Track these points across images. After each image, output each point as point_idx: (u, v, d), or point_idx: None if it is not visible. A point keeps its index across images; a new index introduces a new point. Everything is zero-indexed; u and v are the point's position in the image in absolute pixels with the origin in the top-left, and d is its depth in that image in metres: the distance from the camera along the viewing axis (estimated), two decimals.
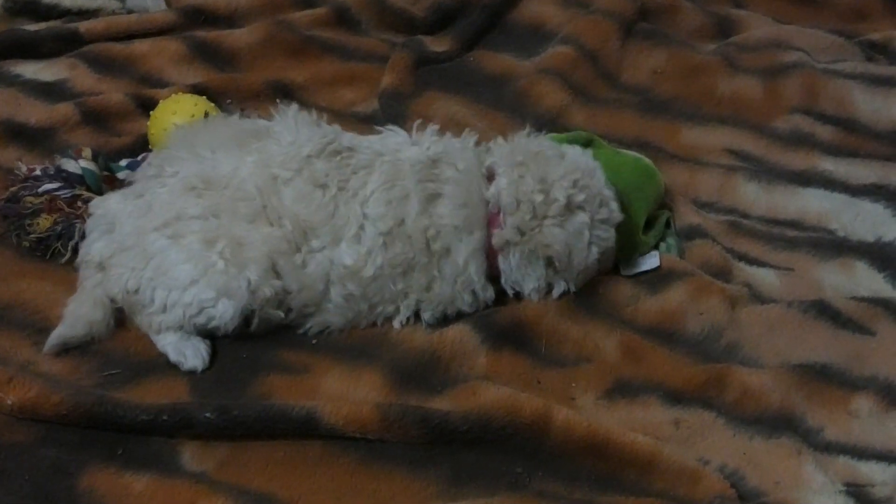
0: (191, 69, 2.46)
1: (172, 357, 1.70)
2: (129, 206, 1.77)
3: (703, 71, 2.55)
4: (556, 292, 1.83)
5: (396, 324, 1.79)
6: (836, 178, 2.27)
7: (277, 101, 2.36)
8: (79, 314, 1.72)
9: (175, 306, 1.70)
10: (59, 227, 1.86)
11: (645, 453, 1.58)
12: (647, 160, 2.06)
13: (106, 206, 1.80)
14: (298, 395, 1.64)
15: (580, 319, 1.83)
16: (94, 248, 1.76)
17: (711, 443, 1.66)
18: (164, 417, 1.56)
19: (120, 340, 1.75)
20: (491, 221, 1.79)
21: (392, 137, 1.87)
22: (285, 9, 2.68)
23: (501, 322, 1.78)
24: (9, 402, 1.57)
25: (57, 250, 1.85)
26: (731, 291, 1.89)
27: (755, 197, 2.21)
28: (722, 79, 2.52)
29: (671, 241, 1.99)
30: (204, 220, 1.71)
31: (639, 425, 1.65)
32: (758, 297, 1.91)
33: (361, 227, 1.74)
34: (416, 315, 1.80)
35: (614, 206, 1.84)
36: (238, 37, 2.54)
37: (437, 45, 2.61)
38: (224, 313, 1.70)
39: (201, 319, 1.70)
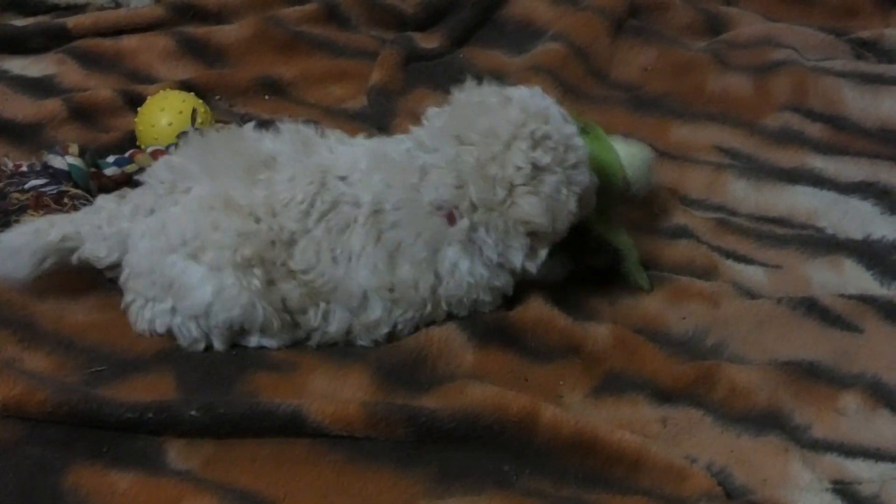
0: (179, 65, 2.46)
1: (274, 345, 1.71)
2: (141, 225, 1.71)
3: (693, 68, 2.55)
4: (542, 255, 1.71)
5: None
6: (825, 175, 2.27)
7: (266, 97, 2.38)
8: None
9: (212, 330, 1.68)
10: None
11: (632, 451, 1.57)
12: (642, 157, 1.96)
13: (117, 226, 1.73)
14: (285, 393, 1.63)
15: (565, 310, 1.81)
16: (104, 262, 1.74)
17: (699, 440, 1.65)
18: (150, 415, 1.55)
19: (106, 337, 1.74)
20: (450, 221, 1.68)
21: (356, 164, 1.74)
22: (274, 5, 2.68)
23: (487, 319, 1.77)
24: None
25: None
26: (713, 289, 1.88)
27: (744, 194, 2.21)
28: (712, 76, 2.52)
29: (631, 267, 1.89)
30: (230, 235, 1.64)
31: (626, 423, 1.64)
32: (746, 295, 1.90)
33: (365, 295, 1.69)
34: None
35: (578, 142, 1.69)
36: (227, 33, 2.54)
37: (427, 41, 2.61)
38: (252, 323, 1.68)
39: (237, 329, 1.69)
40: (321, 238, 1.67)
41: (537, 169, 1.64)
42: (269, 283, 1.67)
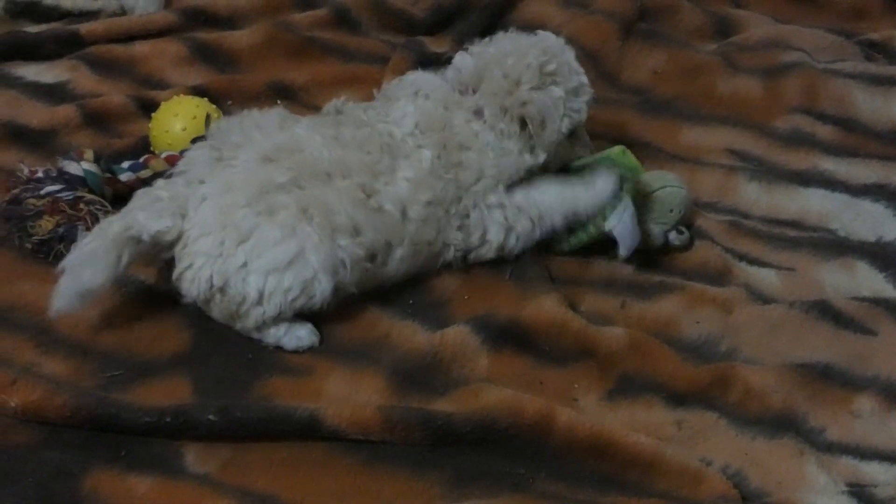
0: (191, 70, 2.47)
1: (290, 346, 1.74)
2: (200, 189, 1.73)
3: (703, 71, 2.55)
4: (530, 160, 1.90)
5: (451, 253, 1.89)
6: (837, 177, 2.27)
7: (278, 102, 2.38)
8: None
9: (274, 293, 1.69)
10: (61, 229, 1.86)
11: (647, 454, 1.58)
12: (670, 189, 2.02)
13: (172, 190, 1.75)
14: (301, 396, 1.64)
15: (578, 312, 1.83)
16: (172, 232, 1.71)
17: (714, 443, 1.66)
18: (167, 419, 1.56)
19: (122, 341, 1.74)
20: (462, 93, 1.92)
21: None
22: (285, 10, 2.69)
23: (501, 322, 1.78)
24: (12, 404, 1.57)
25: (59, 252, 1.84)
26: (727, 295, 1.89)
27: (756, 197, 2.21)
28: (722, 79, 2.53)
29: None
30: (291, 189, 1.72)
31: (641, 426, 1.65)
32: (759, 298, 1.91)
33: (418, 142, 1.85)
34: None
35: (584, 78, 1.94)
36: (238, 38, 2.54)
37: (438, 45, 2.61)
38: (325, 289, 1.71)
39: (302, 300, 1.71)
40: (358, 114, 1.90)
41: (544, 75, 1.88)
42: (328, 213, 1.73)
